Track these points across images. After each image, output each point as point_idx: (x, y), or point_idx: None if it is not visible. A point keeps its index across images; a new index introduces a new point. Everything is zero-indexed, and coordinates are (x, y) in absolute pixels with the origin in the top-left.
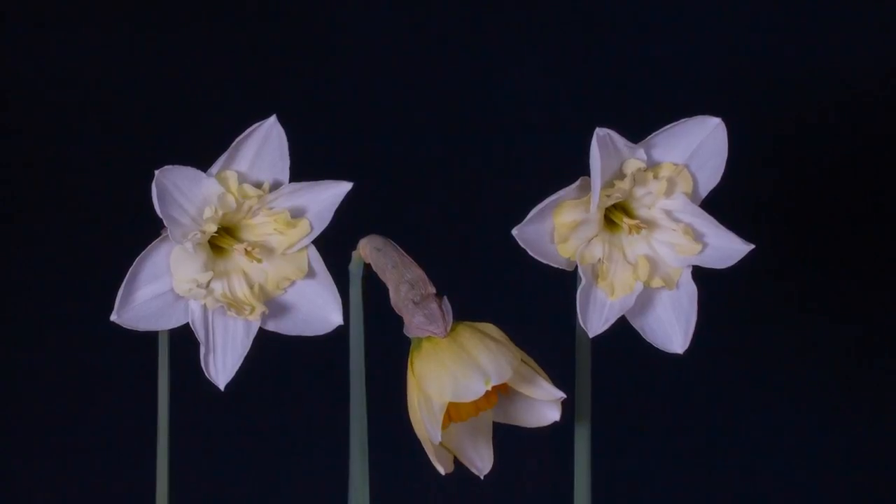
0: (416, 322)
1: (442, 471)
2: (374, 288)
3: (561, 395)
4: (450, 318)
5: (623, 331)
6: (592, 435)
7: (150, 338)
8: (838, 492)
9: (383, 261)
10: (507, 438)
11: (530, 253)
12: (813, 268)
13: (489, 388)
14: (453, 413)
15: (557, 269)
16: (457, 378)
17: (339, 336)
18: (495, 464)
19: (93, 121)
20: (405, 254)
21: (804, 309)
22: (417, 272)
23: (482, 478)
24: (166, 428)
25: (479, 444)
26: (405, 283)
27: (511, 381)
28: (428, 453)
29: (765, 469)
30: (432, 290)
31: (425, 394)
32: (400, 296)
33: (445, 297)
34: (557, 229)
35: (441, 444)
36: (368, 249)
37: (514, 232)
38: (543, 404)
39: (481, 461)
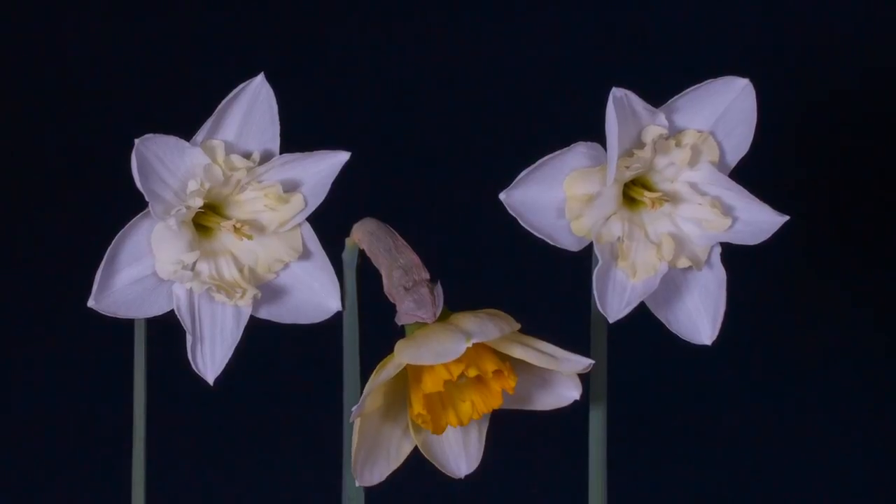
0: (405, 308)
1: (357, 480)
2: (370, 277)
3: (589, 361)
4: (440, 303)
5: (641, 316)
6: (606, 431)
7: (131, 326)
8: (872, 491)
9: (376, 245)
10: (510, 433)
11: (521, 222)
12: (853, 247)
13: (470, 344)
14: (453, 417)
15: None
16: (438, 341)
17: (333, 329)
18: (500, 458)
19: (68, 90)
20: (400, 238)
21: (844, 293)
22: (411, 257)
23: (463, 478)
24: (143, 427)
25: (469, 439)
26: (398, 268)
27: (527, 357)
28: (354, 453)
29: (789, 469)
30: (426, 275)
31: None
32: (392, 282)
33: (439, 283)
34: (569, 203)
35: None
36: (361, 234)
37: (502, 196)
38: (561, 384)
39: (467, 459)
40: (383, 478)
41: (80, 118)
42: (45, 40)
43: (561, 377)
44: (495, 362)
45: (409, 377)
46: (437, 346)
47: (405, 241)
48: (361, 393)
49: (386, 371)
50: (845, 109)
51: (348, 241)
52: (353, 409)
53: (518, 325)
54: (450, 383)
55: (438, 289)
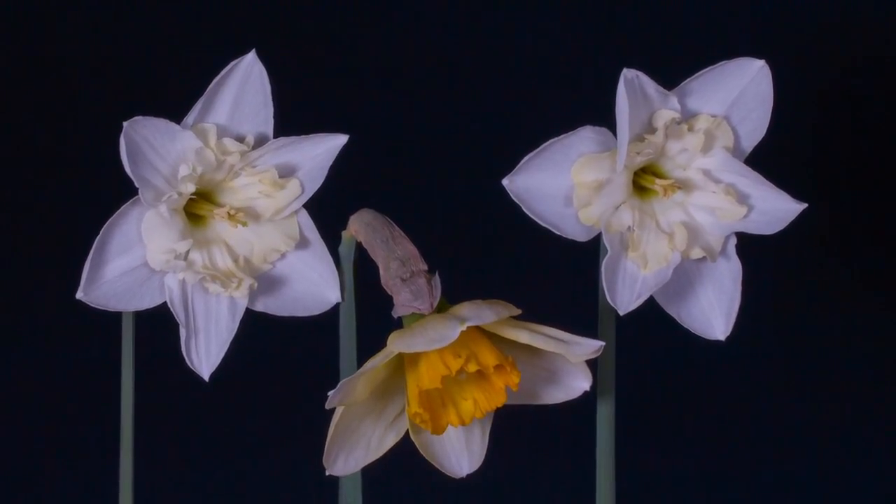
0: (402, 300)
1: (328, 469)
2: (368, 272)
3: (600, 343)
4: (437, 293)
5: (650, 309)
6: (614, 427)
7: (119, 319)
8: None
9: (373, 237)
10: (511, 427)
11: (525, 210)
12: (873, 237)
13: (464, 328)
14: (454, 417)
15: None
16: (433, 328)
17: (330, 324)
18: (501, 455)
19: (53, 73)
20: (398, 228)
21: (864, 285)
22: (409, 248)
23: (465, 477)
24: (130, 425)
25: (472, 436)
26: (395, 259)
27: (535, 342)
28: (328, 440)
29: (802, 466)
30: (424, 266)
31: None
32: (389, 273)
33: (437, 274)
34: (577, 190)
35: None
36: (358, 225)
37: (505, 182)
38: (570, 375)
39: (469, 458)
40: (357, 468)
41: (67, 101)
42: (28, 22)
43: (569, 368)
44: (496, 356)
45: (406, 375)
46: (431, 333)
47: (402, 232)
48: None
49: (373, 361)
50: (866, 93)
51: (345, 234)
52: (330, 393)
53: (518, 311)
54: (449, 379)
55: (436, 280)
